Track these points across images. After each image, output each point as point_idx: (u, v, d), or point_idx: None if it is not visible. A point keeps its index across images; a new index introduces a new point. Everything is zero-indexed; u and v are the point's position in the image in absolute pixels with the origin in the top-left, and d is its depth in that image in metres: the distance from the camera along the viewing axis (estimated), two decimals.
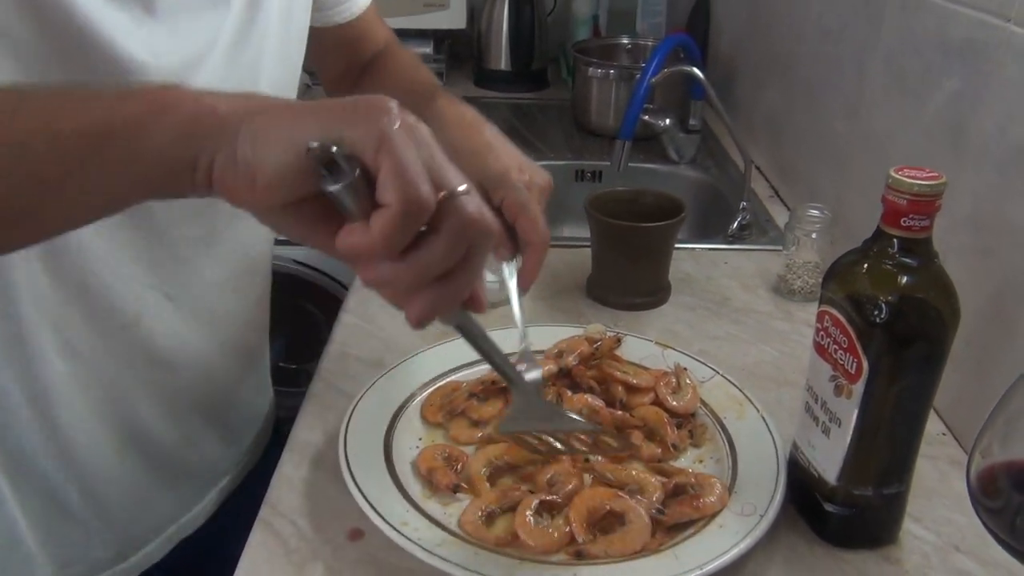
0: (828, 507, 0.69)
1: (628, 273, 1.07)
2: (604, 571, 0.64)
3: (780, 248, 1.22)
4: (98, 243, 0.68)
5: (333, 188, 0.43)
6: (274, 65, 0.78)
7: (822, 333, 0.67)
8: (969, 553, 0.70)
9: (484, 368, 0.88)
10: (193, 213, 0.75)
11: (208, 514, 0.89)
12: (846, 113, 1.15)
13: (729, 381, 0.85)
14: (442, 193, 0.44)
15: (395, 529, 0.66)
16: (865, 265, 0.64)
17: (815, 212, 1.09)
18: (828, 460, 0.68)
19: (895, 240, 0.62)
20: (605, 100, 1.72)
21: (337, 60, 1.02)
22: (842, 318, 0.65)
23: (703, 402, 0.83)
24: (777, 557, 0.69)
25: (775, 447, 0.76)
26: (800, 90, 1.35)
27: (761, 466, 0.74)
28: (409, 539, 0.65)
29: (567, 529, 0.68)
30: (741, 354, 0.98)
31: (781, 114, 1.44)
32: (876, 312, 0.62)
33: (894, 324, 0.62)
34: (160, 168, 0.46)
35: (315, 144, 0.42)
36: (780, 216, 1.34)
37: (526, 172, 0.84)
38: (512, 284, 0.84)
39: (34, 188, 0.47)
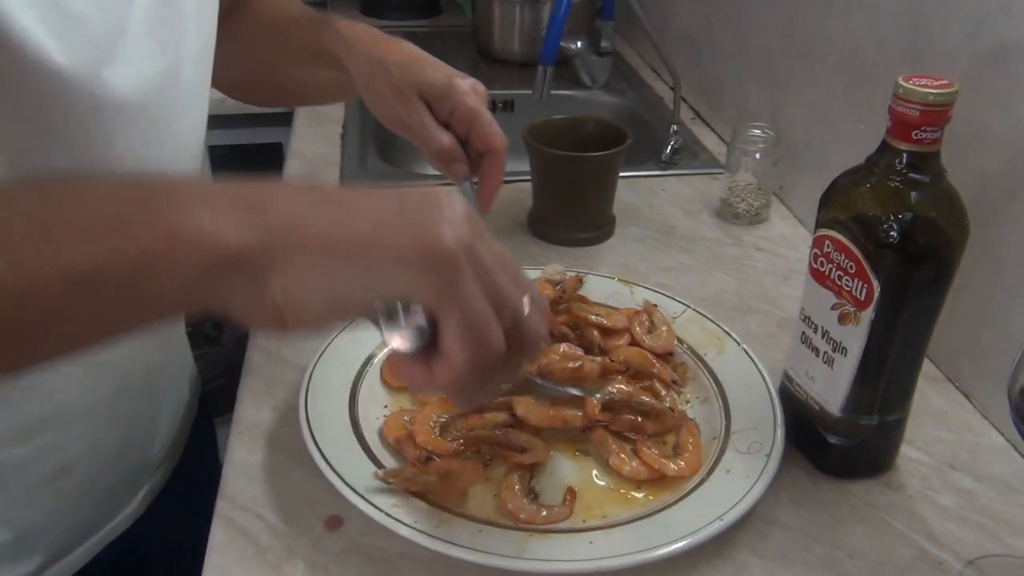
0: (831, 439, 0.67)
1: (574, 206, 1.00)
2: (626, 531, 0.60)
3: (716, 171, 1.19)
4: None
5: (395, 343, 0.41)
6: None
7: (822, 259, 0.63)
8: (965, 470, 0.70)
9: None
10: None
11: (136, 516, 0.78)
12: (780, 27, 1.11)
13: (703, 315, 0.81)
14: (507, 324, 0.41)
15: (387, 515, 0.58)
16: (870, 183, 0.60)
17: (757, 132, 1.05)
18: (830, 391, 0.66)
19: (904, 155, 0.58)
20: (509, 24, 1.63)
21: None
22: (847, 241, 0.61)
23: (679, 339, 0.79)
24: (783, 497, 0.67)
25: (765, 381, 0.72)
26: (721, 5, 1.31)
27: (753, 402, 0.71)
28: (404, 523, 0.58)
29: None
30: (699, 284, 0.94)
31: (699, 32, 1.40)
32: (888, 232, 0.58)
33: (906, 244, 0.58)
34: (166, 312, 0.39)
35: (378, 306, 0.39)
36: (708, 138, 1.31)
37: (467, 78, 0.79)
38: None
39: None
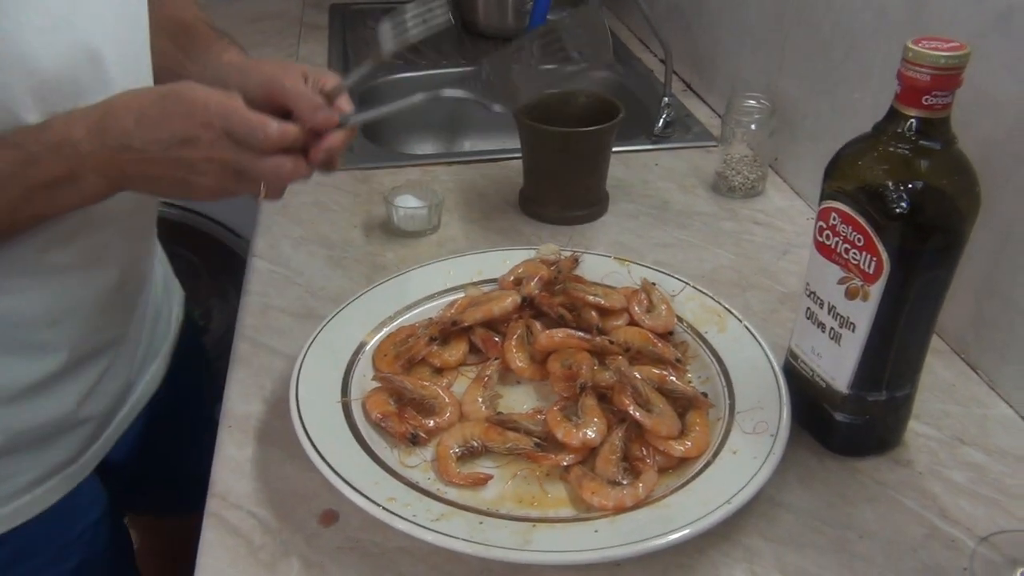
0: (839, 416, 0.65)
1: (566, 184, 0.98)
2: (632, 518, 0.58)
3: (709, 144, 1.16)
4: None
5: None
6: None
7: (827, 232, 0.61)
8: (973, 444, 0.68)
9: (434, 307, 0.78)
10: None
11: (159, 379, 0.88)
12: None
13: (702, 292, 0.79)
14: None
15: (386, 509, 0.56)
16: (877, 151, 0.58)
17: (752, 103, 1.03)
18: (838, 368, 0.64)
19: (913, 122, 0.56)
20: None
21: None
22: (854, 213, 0.58)
23: (679, 318, 0.77)
24: (790, 476, 0.65)
25: (768, 358, 0.70)
26: None
27: (758, 381, 0.69)
28: (403, 518, 0.56)
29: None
30: (696, 260, 0.92)
31: (690, 3, 1.37)
32: (898, 202, 0.56)
33: (916, 215, 0.56)
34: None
35: None
36: (699, 111, 1.28)
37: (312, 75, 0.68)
38: None
39: None
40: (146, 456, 0.89)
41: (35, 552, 0.74)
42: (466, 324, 0.74)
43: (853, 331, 0.61)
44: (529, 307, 0.77)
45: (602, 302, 0.76)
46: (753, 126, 1.02)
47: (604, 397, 0.68)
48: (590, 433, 0.64)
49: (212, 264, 1.60)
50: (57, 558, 0.77)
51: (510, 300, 0.75)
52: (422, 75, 1.46)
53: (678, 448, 0.63)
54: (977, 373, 0.76)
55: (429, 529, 0.55)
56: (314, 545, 0.59)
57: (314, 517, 0.61)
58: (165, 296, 0.90)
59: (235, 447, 0.67)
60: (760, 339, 0.73)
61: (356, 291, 0.79)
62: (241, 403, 0.71)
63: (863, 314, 0.60)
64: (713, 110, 1.28)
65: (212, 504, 0.62)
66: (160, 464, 0.93)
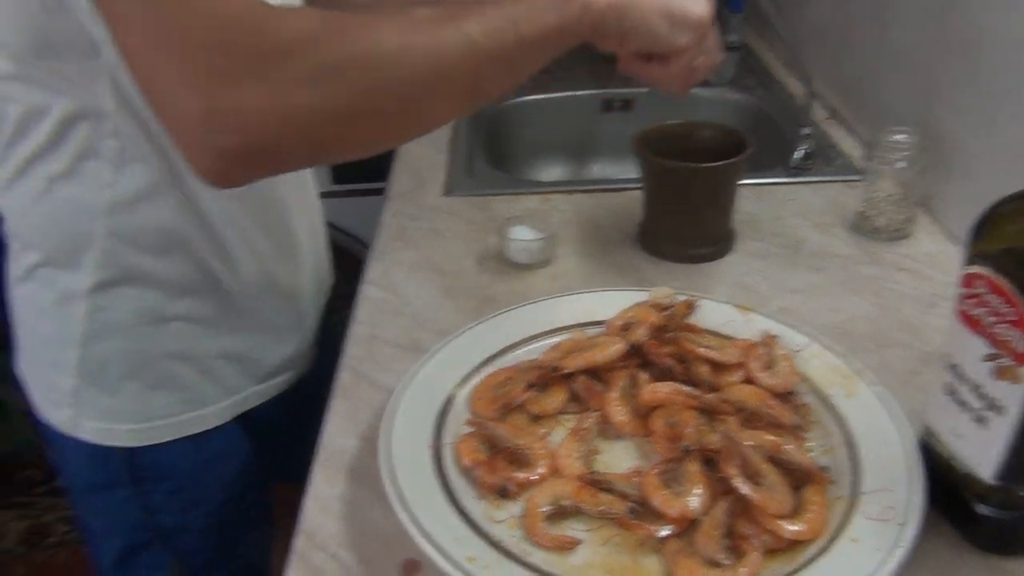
0: (981, 509, 0.57)
1: (688, 220, 0.93)
2: None
3: (853, 179, 1.08)
4: None
5: None
6: None
7: (972, 300, 0.54)
8: None
9: (534, 349, 0.75)
10: None
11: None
12: (930, 18, 0.99)
13: (830, 349, 0.72)
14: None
15: (463, 571, 0.53)
16: None
17: (901, 137, 0.94)
18: (982, 454, 0.56)
19: None
20: None
21: None
22: (1005, 283, 0.51)
23: (801, 377, 0.71)
24: (921, 573, 0.57)
25: (902, 432, 0.63)
26: None
27: (888, 457, 0.62)
28: None
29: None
30: (828, 310, 0.85)
31: (837, 25, 1.27)
32: None
33: None
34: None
35: None
36: (844, 142, 1.19)
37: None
38: None
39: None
40: (296, 425, 0.90)
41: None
42: (567, 371, 0.70)
43: (1001, 415, 0.53)
44: (636, 355, 0.73)
45: (715, 355, 0.71)
46: (902, 162, 0.93)
47: (712, 462, 0.63)
48: (691, 503, 0.59)
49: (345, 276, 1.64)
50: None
51: (614, 348, 0.71)
52: (553, 97, 1.44)
53: (789, 529, 0.57)
54: None
55: None
56: None
57: (397, 566, 0.60)
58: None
59: (326, 484, 0.66)
60: (894, 408, 0.65)
61: (463, 324, 0.78)
62: (338, 437, 0.71)
63: (1014, 397, 0.52)
64: (860, 139, 1.19)
65: (299, 543, 0.62)
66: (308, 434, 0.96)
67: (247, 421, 0.85)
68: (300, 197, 0.84)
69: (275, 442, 0.89)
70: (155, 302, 0.74)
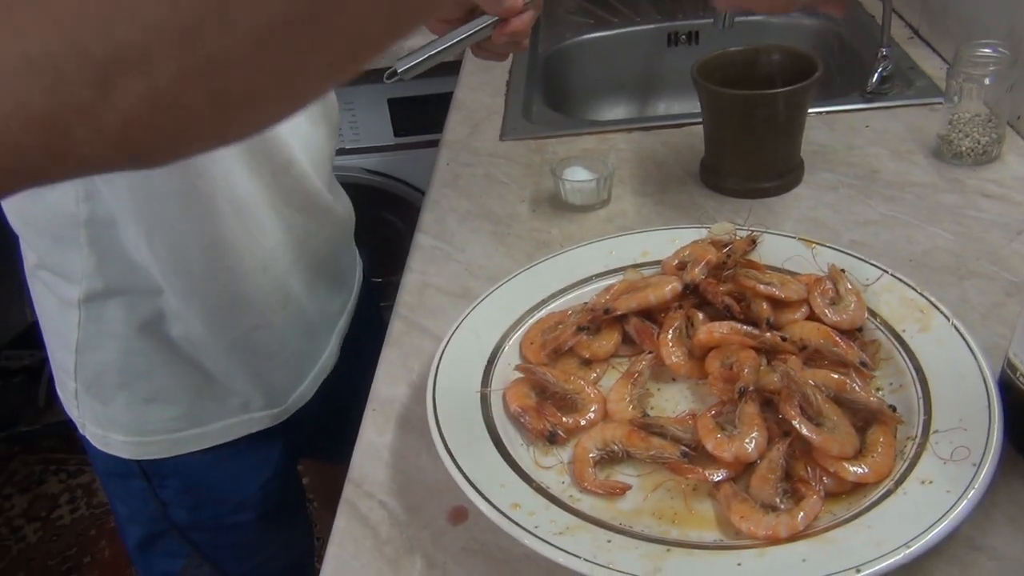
0: None
1: (752, 152, 0.88)
2: (784, 552, 0.50)
3: (937, 101, 1.00)
4: None
5: None
6: None
7: None
8: None
9: (587, 292, 0.73)
10: None
11: (336, 354, 0.88)
12: None
13: (902, 281, 0.67)
14: None
15: (507, 517, 0.52)
16: None
17: (987, 51, 0.86)
18: None
19: None
20: None
21: None
22: None
23: (871, 312, 0.66)
24: (997, 516, 0.53)
25: (980, 367, 0.58)
26: None
27: (963, 394, 0.57)
28: (524, 528, 0.52)
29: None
30: (905, 241, 0.79)
31: None
32: None
33: None
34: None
35: None
36: (927, 62, 1.10)
37: None
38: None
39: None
40: (326, 409, 0.89)
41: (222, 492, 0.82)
42: (619, 312, 0.68)
43: None
44: (692, 295, 0.69)
45: (776, 292, 0.67)
46: (988, 79, 0.85)
47: (771, 403, 0.60)
48: (747, 446, 0.56)
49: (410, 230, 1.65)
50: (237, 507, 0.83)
51: (669, 288, 0.68)
52: (615, 33, 1.38)
53: (852, 471, 0.54)
54: None
55: (550, 544, 0.51)
56: (439, 544, 0.57)
57: (444, 513, 0.59)
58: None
59: (376, 432, 0.66)
60: (972, 342, 0.60)
61: (514, 270, 0.76)
62: (387, 385, 0.71)
63: None
64: (944, 60, 1.10)
65: (348, 491, 0.62)
66: (338, 416, 0.94)
67: None
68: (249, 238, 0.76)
69: (305, 427, 0.86)
70: (148, 315, 0.72)
